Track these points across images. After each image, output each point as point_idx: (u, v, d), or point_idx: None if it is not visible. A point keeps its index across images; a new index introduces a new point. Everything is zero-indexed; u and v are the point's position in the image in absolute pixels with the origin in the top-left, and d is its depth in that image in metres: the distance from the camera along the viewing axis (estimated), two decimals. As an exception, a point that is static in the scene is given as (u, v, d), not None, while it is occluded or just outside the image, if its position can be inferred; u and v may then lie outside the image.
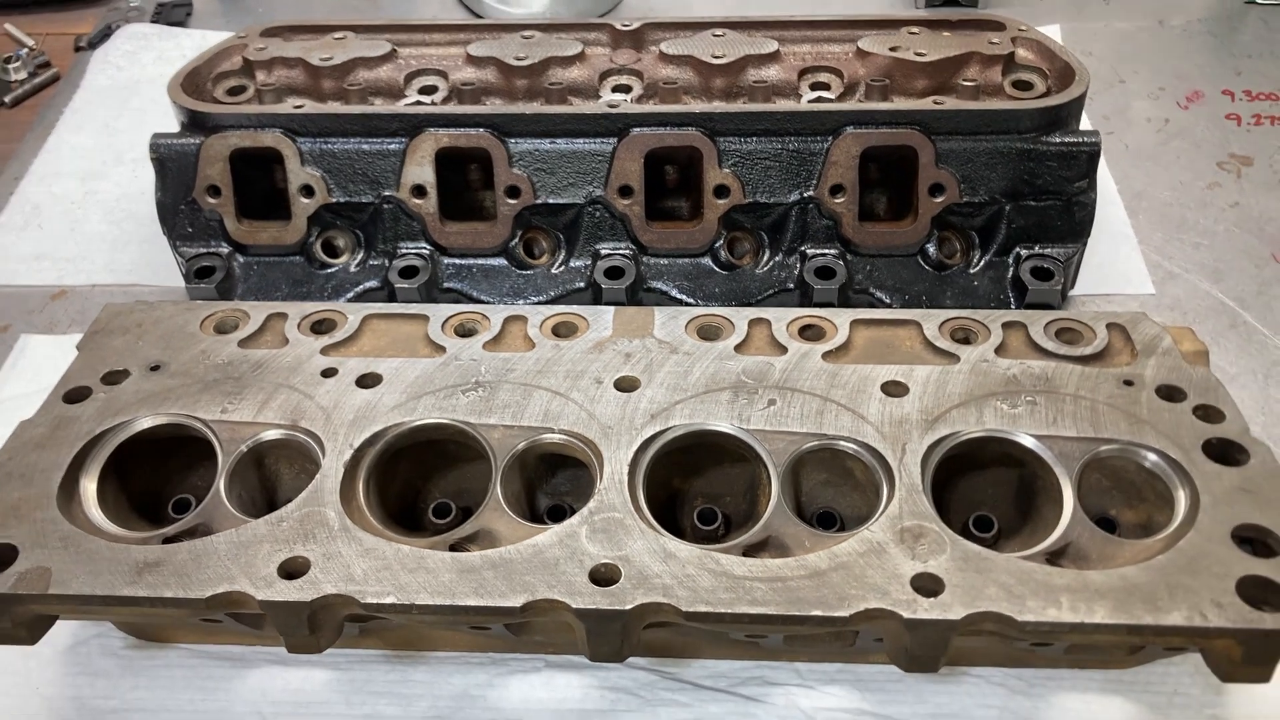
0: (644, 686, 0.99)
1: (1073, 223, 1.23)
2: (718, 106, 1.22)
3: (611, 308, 1.08)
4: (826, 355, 1.01)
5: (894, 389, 0.97)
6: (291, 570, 0.83)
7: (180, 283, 1.33)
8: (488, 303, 1.26)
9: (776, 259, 1.26)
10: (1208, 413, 0.93)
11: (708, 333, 1.05)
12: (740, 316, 1.06)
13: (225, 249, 1.29)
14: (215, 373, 1.01)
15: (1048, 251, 1.24)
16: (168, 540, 0.89)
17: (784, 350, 1.02)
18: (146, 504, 1.00)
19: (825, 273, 1.23)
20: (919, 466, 0.90)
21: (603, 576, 0.82)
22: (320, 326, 1.07)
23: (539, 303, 1.26)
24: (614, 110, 1.21)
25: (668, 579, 0.81)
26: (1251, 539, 0.83)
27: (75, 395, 0.99)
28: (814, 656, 1.00)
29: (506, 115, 1.23)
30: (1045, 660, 0.99)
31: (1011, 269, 1.24)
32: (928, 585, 0.80)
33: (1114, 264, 1.32)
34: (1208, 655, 0.81)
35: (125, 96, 1.63)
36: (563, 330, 1.06)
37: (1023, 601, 0.79)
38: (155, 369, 1.02)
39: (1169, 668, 0.98)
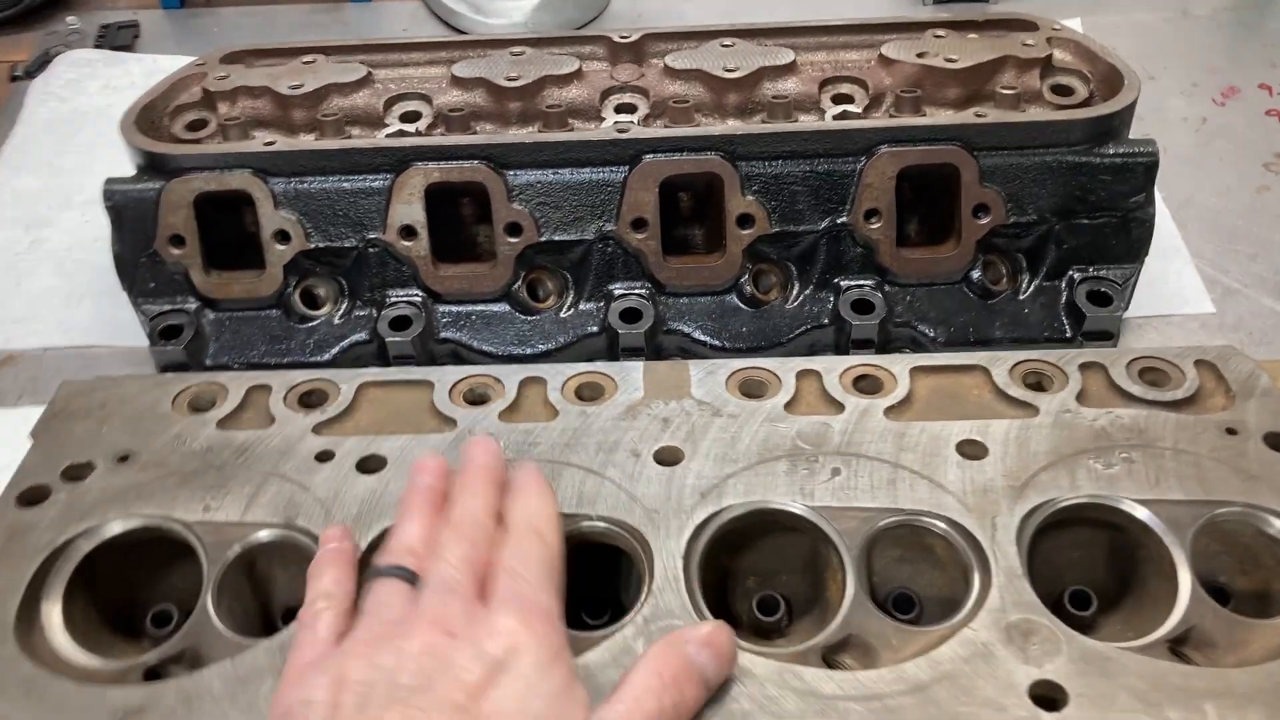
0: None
1: (1129, 241, 1.12)
2: (738, 127, 1.10)
3: (640, 364, 0.96)
4: (889, 411, 0.90)
5: (971, 449, 0.86)
6: (301, 711, 0.71)
7: (144, 342, 1.19)
8: (490, 353, 1.14)
9: (807, 292, 1.14)
10: (1325, 464, 0.83)
11: (751, 388, 0.94)
12: (786, 369, 0.94)
13: (193, 304, 1.15)
14: (194, 462, 0.88)
15: (1104, 274, 1.13)
16: (150, 673, 0.76)
17: (840, 407, 0.90)
18: (121, 616, 0.87)
19: (863, 307, 1.11)
20: (1014, 545, 0.79)
21: (670, 703, 0.70)
22: (310, 399, 0.95)
23: (548, 351, 1.14)
24: (624, 135, 1.09)
25: (746, 703, 0.70)
26: (1403, 619, 0.73)
27: (32, 496, 0.86)
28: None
29: (504, 145, 1.10)
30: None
31: (1065, 294, 1.13)
32: (1049, 695, 0.69)
33: (1166, 281, 1.21)
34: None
35: (70, 131, 1.48)
36: (588, 393, 0.94)
37: (1161, 711, 0.68)
38: (124, 460, 0.89)
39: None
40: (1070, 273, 1.13)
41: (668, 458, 0.86)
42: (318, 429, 0.91)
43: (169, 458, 0.89)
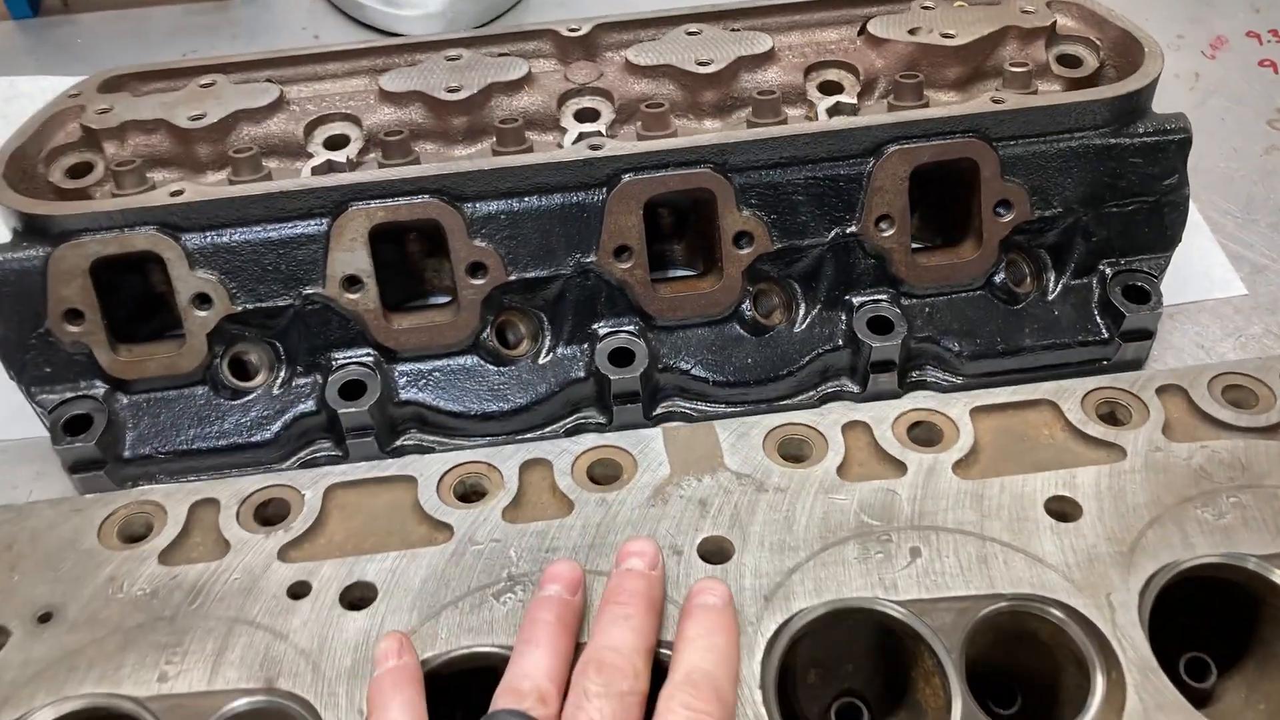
0: None
1: (1162, 227, 1.02)
2: (729, 135, 0.96)
3: (658, 431, 0.82)
4: (958, 467, 0.78)
5: (1063, 508, 0.74)
6: None
7: (44, 431, 1.01)
8: (460, 413, 0.98)
9: (815, 313, 1.01)
10: None
11: (793, 449, 0.81)
12: (828, 422, 0.81)
13: (101, 388, 0.97)
14: (137, 613, 0.72)
15: (1135, 266, 1.02)
16: None
17: (901, 467, 0.78)
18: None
19: (881, 325, 0.99)
20: (1139, 629, 0.68)
21: None
22: (268, 512, 0.78)
23: (528, 404, 0.98)
24: (599, 154, 0.94)
25: None
26: None
27: (-69, 685, 0.69)
28: None
29: (458, 175, 0.94)
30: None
31: (1098, 291, 1.02)
32: (1225, 827, 0.59)
33: (1190, 261, 1.12)
34: None
35: (-81, 176, 1.26)
36: (602, 474, 0.80)
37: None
38: (45, 619, 0.72)
39: None
40: (1100, 267, 1.03)
41: (715, 552, 0.73)
42: (284, 553, 0.75)
43: (104, 610, 0.72)
